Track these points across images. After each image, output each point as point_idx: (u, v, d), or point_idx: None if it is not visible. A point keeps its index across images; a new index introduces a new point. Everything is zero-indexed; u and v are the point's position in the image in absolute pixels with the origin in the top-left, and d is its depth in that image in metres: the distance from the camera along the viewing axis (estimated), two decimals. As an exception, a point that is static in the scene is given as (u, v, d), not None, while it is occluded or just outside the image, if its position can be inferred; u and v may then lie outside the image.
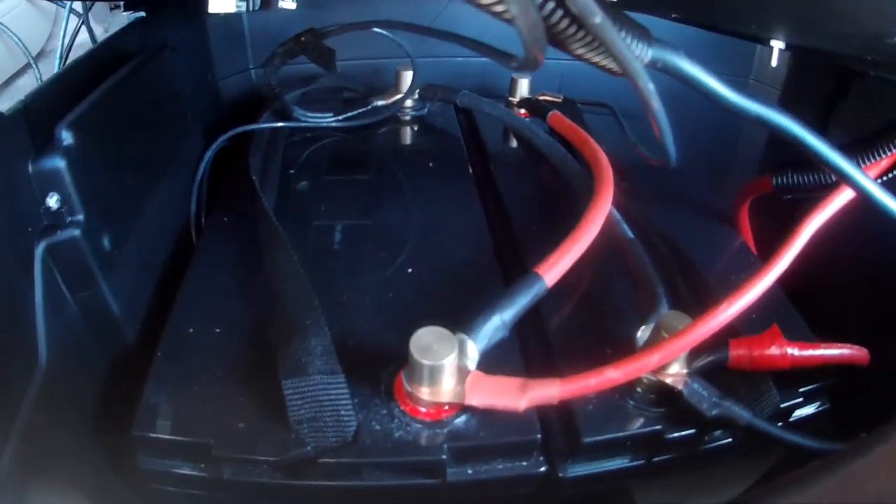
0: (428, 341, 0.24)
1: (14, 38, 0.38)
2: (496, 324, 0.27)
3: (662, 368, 0.28)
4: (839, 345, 0.32)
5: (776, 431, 0.28)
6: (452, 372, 0.25)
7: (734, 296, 0.28)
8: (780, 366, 0.30)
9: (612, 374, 0.26)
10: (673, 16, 0.33)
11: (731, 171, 0.54)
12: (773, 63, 0.30)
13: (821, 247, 0.33)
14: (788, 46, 0.29)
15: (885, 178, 0.31)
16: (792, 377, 0.32)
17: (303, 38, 0.44)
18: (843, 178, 0.26)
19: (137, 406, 0.27)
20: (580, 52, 0.18)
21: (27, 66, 0.36)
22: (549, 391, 0.25)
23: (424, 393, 0.25)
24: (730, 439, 0.30)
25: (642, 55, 0.20)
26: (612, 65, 0.19)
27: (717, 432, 0.30)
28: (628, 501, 0.30)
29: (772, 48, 0.30)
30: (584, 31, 0.17)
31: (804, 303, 0.36)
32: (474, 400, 0.25)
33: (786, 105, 0.48)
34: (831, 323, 0.33)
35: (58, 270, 0.28)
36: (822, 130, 0.40)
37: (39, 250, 0.27)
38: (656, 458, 0.29)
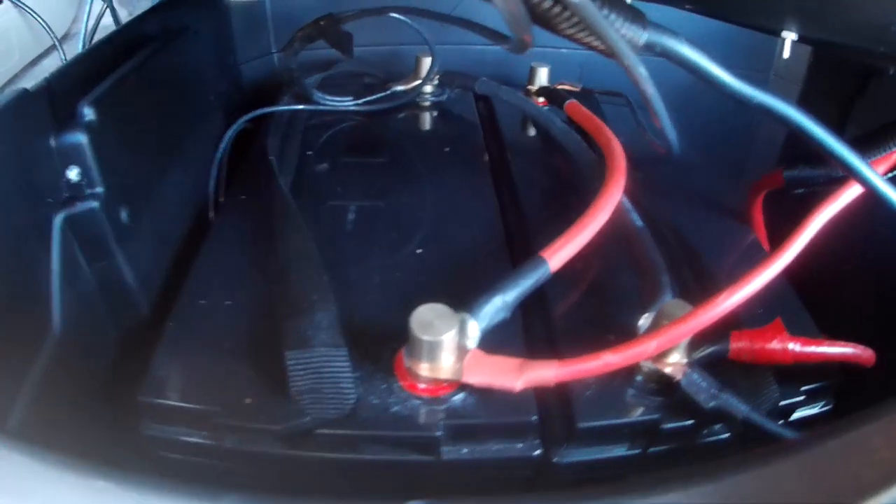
0: (428, 318, 0.25)
1: (39, 20, 0.41)
2: (498, 304, 0.27)
3: (662, 357, 0.29)
4: (844, 343, 0.32)
5: (773, 427, 0.29)
6: (452, 349, 0.26)
7: (735, 286, 0.28)
8: (782, 360, 0.30)
9: (610, 359, 0.26)
10: (686, 7, 0.33)
11: (750, 166, 0.54)
12: (786, 55, 0.31)
13: (833, 244, 0.33)
14: (801, 38, 0.30)
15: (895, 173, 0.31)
16: (796, 375, 0.32)
17: (321, 23, 0.46)
18: (848, 171, 0.27)
19: (145, 373, 0.28)
20: (569, 32, 0.19)
21: (52, 48, 0.38)
22: (546, 373, 0.26)
23: (423, 369, 0.26)
24: (728, 433, 0.30)
25: (636, 38, 0.21)
26: (604, 46, 0.20)
27: (717, 426, 0.30)
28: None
29: (784, 40, 0.30)
30: (567, 11, 0.18)
31: (815, 299, 0.36)
32: (472, 378, 0.26)
33: (805, 102, 0.48)
34: (841, 321, 0.34)
35: (76, 241, 0.29)
36: (840, 128, 0.41)
37: (58, 221, 0.28)
38: (653, 448, 0.30)
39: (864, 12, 0.23)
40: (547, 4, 0.17)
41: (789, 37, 0.30)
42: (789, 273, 0.38)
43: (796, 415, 0.33)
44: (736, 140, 0.52)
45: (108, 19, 0.40)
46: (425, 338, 0.25)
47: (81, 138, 0.28)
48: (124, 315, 0.32)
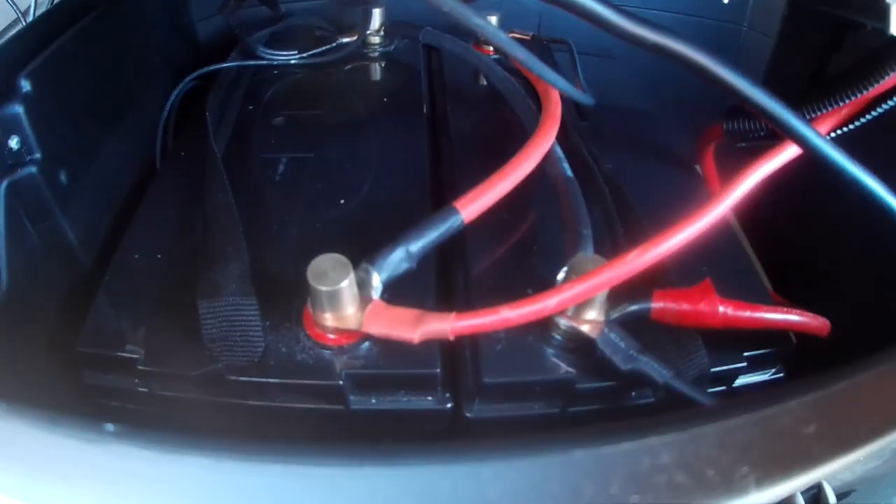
0: (324, 267, 0.28)
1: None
2: (401, 255, 0.29)
3: (580, 315, 0.30)
4: (789, 310, 0.32)
5: (692, 393, 0.29)
6: (351, 299, 0.28)
7: (648, 243, 0.29)
8: (712, 324, 0.31)
9: (508, 314, 0.28)
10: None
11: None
12: (725, -2, 0.31)
13: (812, 206, 0.32)
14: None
15: (845, 129, 0.31)
16: (742, 340, 0.32)
17: (250, -23, 0.48)
18: (764, 113, 0.27)
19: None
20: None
21: (16, 21, 0.42)
22: (442, 326, 0.28)
23: (327, 319, 0.29)
24: (652, 398, 0.31)
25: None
26: None
27: (647, 388, 0.31)
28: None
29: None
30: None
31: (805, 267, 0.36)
32: (372, 328, 0.28)
33: (779, 55, 0.47)
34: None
35: (20, 204, 0.34)
36: (814, 82, 0.40)
37: (3, 186, 0.33)
38: (571, 409, 0.31)
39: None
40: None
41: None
42: (769, 237, 0.38)
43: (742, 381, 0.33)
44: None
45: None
46: (320, 287, 0.28)
47: (19, 109, 0.33)
48: (69, 271, 0.36)
